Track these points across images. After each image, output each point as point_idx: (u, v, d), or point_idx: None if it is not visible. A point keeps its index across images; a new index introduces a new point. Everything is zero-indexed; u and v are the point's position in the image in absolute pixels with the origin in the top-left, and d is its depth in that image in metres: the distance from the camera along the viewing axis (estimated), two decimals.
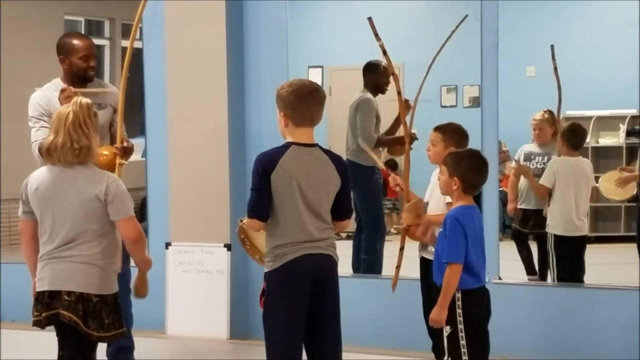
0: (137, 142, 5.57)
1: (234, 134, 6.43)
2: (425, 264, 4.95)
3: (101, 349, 4.25)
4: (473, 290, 4.21)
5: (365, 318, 6.07)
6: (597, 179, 6.51)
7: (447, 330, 4.20)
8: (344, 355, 4.17)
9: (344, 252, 6.36)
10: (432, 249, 4.79)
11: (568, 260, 6.19)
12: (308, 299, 4.00)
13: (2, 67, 7.67)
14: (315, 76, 7.33)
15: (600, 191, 6.50)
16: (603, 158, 7.70)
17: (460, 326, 4.17)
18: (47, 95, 5.13)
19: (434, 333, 4.78)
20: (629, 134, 7.71)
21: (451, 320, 4.20)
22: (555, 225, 6.23)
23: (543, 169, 6.39)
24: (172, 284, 6.50)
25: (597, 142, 7.85)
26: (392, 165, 7.35)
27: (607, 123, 7.86)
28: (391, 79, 5.12)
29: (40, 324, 4.02)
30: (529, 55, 6.79)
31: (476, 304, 4.23)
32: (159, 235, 6.54)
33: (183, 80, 6.47)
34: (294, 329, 4.00)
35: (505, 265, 5.96)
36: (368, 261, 6.87)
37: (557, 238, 6.20)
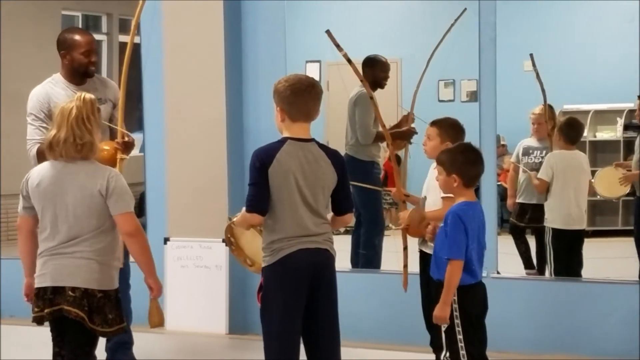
0: (135, 137, 5.56)
1: (231, 129, 6.43)
2: (424, 258, 4.95)
3: (99, 346, 4.25)
4: (469, 285, 4.22)
5: (364, 313, 6.08)
6: (593, 173, 6.52)
7: (444, 325, 4.22)
8: (343, 349, 4.18)
9: (343, 246, 6.39)
10: (431, 243, 4.80)
11: (566, 254, 6.20)
12: (305, 293, 4.01)
13: (0, 63, 7.66)
14: (313, 71, 7.32)
15: (595, 189, 6.50)
16: (601, 152, 7.70)
17: (457, 321, 4.19)
18: (47, 91, 5.13)
19: (432, 328, 4.79)
20: (626, 127, 7.71)
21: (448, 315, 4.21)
22: (553, 219, 6.25)
23: (541, 163, 6.40)
24: (170, 279, 6.50)
25: (595, 136, 7.85)
26: (396, 159, 7.34)
27: (604, 117, 7.86)
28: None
29: (42, 320, 4.02)
30: (527, 50, 6.78)
31: (472, 299, 4.24)
32: (158, 230, 6.53)
33: (181, 75, 6.47)
34: (291, 323, 4.01)
35: (504, 259, 5.97)
36: (367, 256, 6.87)
37: (555, 231, 6.21)
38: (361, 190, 6.73)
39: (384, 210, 7.56)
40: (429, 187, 4.92)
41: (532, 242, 6.68)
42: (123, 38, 8.83)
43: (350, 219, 4.31)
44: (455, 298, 4.18)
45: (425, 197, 4.96)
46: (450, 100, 7.39)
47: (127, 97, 5.31)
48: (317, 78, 7.06)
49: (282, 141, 4.03)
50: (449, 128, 4.89)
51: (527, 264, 6.65)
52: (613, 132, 7.84)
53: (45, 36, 6.53)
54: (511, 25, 6.75)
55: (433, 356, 4.93)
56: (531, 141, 6.73)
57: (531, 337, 5.78)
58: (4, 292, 6.84)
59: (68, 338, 4.02)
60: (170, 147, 6.53)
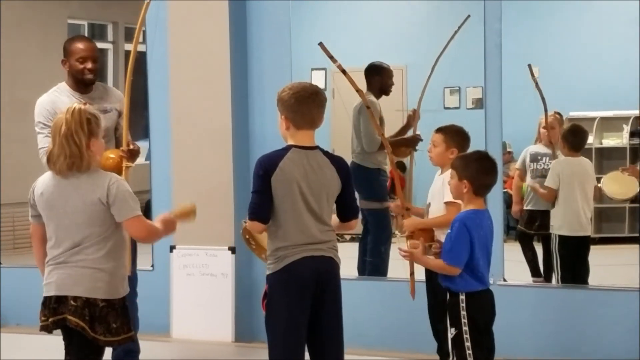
0: (141, 145, 5.57)
1: (237, 136, 6.44)
2: None
3: (106, 353, 4.24)
4: (477, 292, 4.21)
5: (371, 320, 6.07)
6: (599, 180, 6.51)
7: (452, 332, 4.21)
8: (350, 357, 4.18)
9: (350, 254, 6.39)
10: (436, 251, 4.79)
11: (572, 261, 6.19)
12: (309, 300, 4.01)
13: (7, 71, 7.67)
14: (318, 78, 7.31)
15: (603, 191, 6.50)
16: (607, 159, 7.68)
17: (465, 328, 4.17)
18: (53, 99, 5.14)
19: (439, 335, 4.78)
20: (632, 134, 7.70)
21: (456, 322, 4.20)
22: (559, 226, 6.24)
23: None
24: (176, 287, 6.50)
25: (601, 143, 7.84)
26: (400, 167, 7.34)
27: (610, 124, 7.85)
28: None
29: (47, 328, 4.01)
30: (533, 56, 6.78)
31: (480, 306, 4.23)
32: (163, 238, 6.52)
33: (186, 83, 6.48)
34: (295, 330, 4.01)
35: (510, 267, 5.96)
36: (373, 263, 6.87)
37: (562, 238, 6.20)
38: (367, 198, 6.73)
39: (391, 218, 7.55)
40: (434, 193, 4.92)
41: (539, 249, 6.66)
42: (129, 46, 8.83)
43: (355, 225, 4.30)
44: (464, 305, 4.17)
45: (429, 204, 4.96)
46: (455, 108, 7.39)
47: (132, 106, 5.31)
48: (322, 86, 7.09)
49: (287, 149, 4.04)
50: (455, 135, 4.90)
51: (535, 271, 6.62)
52: (619, 139, 7.82)
53: (51, 45, 6.54)
54: (516, 32, 6.74)
55: None
56: (539, 147, 6.71)
57: (538, 344, 5.77)
58: (10, 301, 6.84)
59: (74, 347, 4.02)
60: (176, 154, 6.53)
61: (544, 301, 5.90)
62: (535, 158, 6.68)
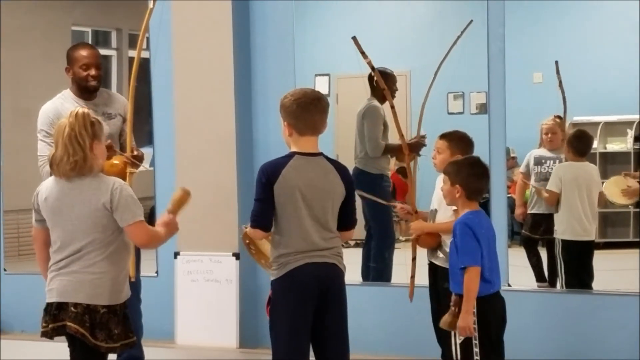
0: (145, 152, 5.58)
1: (241, 143, 6.44)
2: (433, 269, 4.94)
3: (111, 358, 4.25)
4: (488, 296, 4.19)
5: (375, 325, 6.07)
6: (603, 184, 6.51)
7: (460, 337, 4.18)
8: None
9: (353, 259, 6.38)
10: (441, 254, 4.79)
11: (576, 266, 6.18)
12: (313, 306, 4.02)
13: (10, 78, 7.68)
14: (322, 84, 7.32)
15: (605, 195, 6.49)
16: (611, 164, 7.67)
17: (475, 334, 4.15)
18: (57, 107, 5.15)
19: (443, 340, 4.77)
20: (636, 139, 7.68)
21: None
22: (563, 230, 6.23)
23: None
24: (181, 293, 6.50)
25: (605, 148, 7.82)
26: (403, 172, 7.33)
27: (614, 129, 7.83)
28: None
29: (47, 335, 4.01)
30: (536, 62, 6.78)
31: (491, 311, 4.21)
32: (168, 244, 6.43)
33: (190, 89, 6.49)
34: (296, 336, 4.02)
35: (514, 272, 5.95)
36: (377, 269, 6.86)
37: (565, 243, 6.20)
38: (371, 203, 6.72)
39: (394, 223, 7.54)
40: (440, 200, 4.92)
41: (543, 254, 6.64)
42: (133, 53, 8.83)
43: (352, 235, 4.29)
44: (474, 310, 4.15)
45: (435, 210, 4.95)
46: (459, 113, 7.38)
47: (136, 112, 5.32)
48: (326, 91, 7.10)
49: (290, 156, 4.04)
50: (459, 141, 4.90)
51: (539, 277, 6.61)
52: (623, 144, 7.81)
53: (54, 52, 6.53)
54: (520, 37, 6.75)
55: None
56: (543, 151, 6.72)
57: (542, 349, 5.76)
58: (15, 307, 6.85)
59: (77, 354, 4.01)
60: (180, 161, 6.54)
61: (548, 306, 5.89)
62: (539, 161, 6.68)
